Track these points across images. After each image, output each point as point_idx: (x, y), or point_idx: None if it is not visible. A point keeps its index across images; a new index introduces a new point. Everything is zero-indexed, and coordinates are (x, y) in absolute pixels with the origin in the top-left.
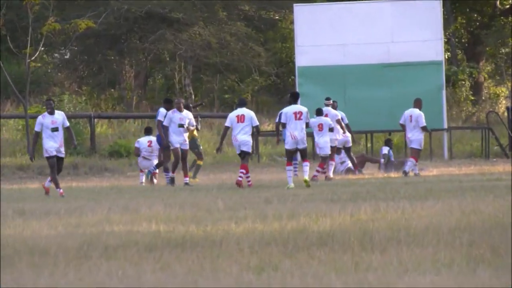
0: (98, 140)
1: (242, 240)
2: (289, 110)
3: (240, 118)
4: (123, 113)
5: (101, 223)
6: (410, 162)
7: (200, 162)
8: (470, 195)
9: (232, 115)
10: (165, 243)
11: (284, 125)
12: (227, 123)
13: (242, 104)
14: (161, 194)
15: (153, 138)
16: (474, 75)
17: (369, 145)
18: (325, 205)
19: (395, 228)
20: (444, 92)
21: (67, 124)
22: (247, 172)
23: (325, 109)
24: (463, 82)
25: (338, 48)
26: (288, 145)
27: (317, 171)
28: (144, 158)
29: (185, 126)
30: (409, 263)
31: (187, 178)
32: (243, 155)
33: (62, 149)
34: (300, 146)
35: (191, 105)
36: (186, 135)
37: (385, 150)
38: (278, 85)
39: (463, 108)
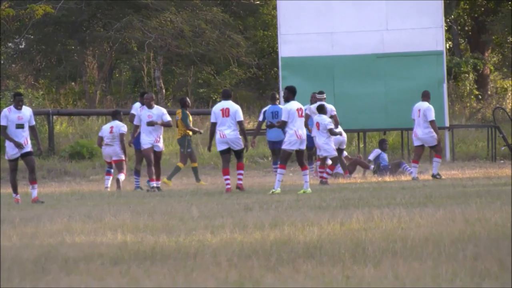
0: (57, 140)
1: (219, 252)
2: (292, 107)
3: (225, 112)
4: (85, 109)
5: (60, 233)
6: (435, 163)
7: (180, 165)
8: (475, 201)
9: (216, 109)
10: (133, 256)
11: (285, 124)
12: (212, 119)
13: (226, 96)
14: (128, 201)
15: (115, 123)
16: (478, 67)
17: (361, 145)
18: (313, 213)
19: (391, 238)
20: (445, 86)
21: (33, 122)
22: (227, 174)
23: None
24: (467, 75)
25: (326, 36)
26: (292, 145)
27: (327, 173)
28: (107, 144)
29: (159, 122)
30: (406, 278)
31: (159, 182)
32: (237, 154)
33: (27, 146)
34: (303, 147)
35: (187, 99)
36: (158, 134)
37: (374, 155)
38: (260, 78)
39: (466, 104)
